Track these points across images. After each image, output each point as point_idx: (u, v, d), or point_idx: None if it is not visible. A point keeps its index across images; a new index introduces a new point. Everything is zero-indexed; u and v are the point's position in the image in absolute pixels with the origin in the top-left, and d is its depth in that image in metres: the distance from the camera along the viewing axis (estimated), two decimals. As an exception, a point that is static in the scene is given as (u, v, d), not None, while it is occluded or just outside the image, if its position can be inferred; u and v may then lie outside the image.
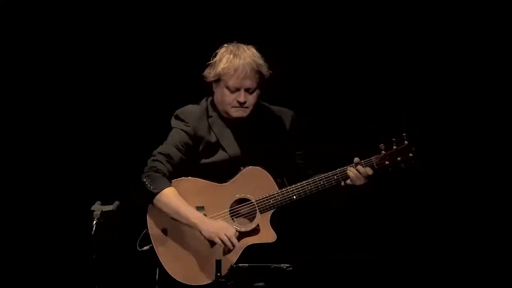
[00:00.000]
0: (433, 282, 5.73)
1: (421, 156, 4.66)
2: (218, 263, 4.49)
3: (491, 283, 5.67)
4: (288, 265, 4.49)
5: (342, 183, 4.62)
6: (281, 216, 4.65)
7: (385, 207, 5.80)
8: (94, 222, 4.33)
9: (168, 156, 4.66)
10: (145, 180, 4.64)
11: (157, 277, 4.67)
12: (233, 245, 4.54)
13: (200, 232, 4.56)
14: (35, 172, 5.88)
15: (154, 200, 4.62)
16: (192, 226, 4.57)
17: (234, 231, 4.55)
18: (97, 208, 4.39)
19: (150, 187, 4.62)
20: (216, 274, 4.51)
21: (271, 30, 5.77)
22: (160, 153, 4.68)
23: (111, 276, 4.84)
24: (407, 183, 5.74)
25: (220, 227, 4.55)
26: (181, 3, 5.84)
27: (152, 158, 4.68)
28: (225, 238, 4.52)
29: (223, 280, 4.51)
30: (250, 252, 4.58)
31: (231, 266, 4.54)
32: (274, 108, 4.79)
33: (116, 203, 4.46)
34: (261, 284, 4.55)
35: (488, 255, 5.68)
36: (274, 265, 4.50)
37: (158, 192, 4.60)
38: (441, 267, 5.72)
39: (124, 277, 5.63)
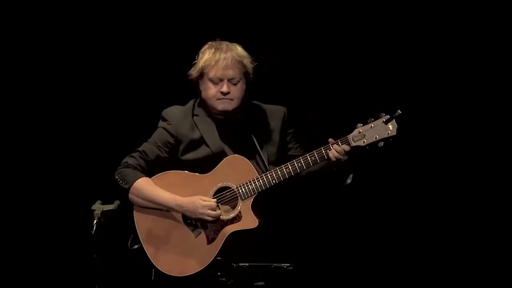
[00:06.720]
0: (433, 282, 5.73)
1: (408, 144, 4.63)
2: (218, 263, 4.50)
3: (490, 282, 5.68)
4: (288, 264, 4.49)
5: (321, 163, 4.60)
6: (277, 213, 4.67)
7: (384, 206, 5.80)
8: (95, 221, 4.34)
9: (142, 153, 4.73)
10: (117, 177, 4.71)
11: (153, 277, 4.68)
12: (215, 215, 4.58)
13: (183, 214, 4.61)
14: (36, 172, 5.88)
15: (129, 195, 4.67)
16: (172, 210, 4.62)
17: (204, 203, 4.58)
18: (98, 207, 4.40)
19: (122, 184, 4.69)
20: (216, 273, 4.52)
21: (265, 27, 5.80)
22: (136, 150, 4.76)
23: (111, 275, 4.83)
24: (407, 183, 5.75)
25: (195, 205, 4.59)
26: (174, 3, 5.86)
27: (128, 155, 4.75)
28: (210, 214, 4.57)
29: (223, 279, 4.51)
30: (251, 251, 4.60)
31: (232, 265, 4.55)
32: (267, 106, 4.83)
33: (117, 202, 4.47)
34: (261, 283, 4.56)
35: (487, 254, 5.69)
36: (274, 264, 4.51)
37: (130, 186, 4.67)
38: (441, 267, 5.73)
39: (124, 276, 5.63)
